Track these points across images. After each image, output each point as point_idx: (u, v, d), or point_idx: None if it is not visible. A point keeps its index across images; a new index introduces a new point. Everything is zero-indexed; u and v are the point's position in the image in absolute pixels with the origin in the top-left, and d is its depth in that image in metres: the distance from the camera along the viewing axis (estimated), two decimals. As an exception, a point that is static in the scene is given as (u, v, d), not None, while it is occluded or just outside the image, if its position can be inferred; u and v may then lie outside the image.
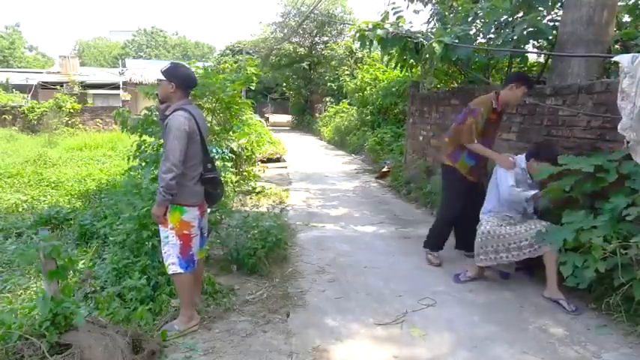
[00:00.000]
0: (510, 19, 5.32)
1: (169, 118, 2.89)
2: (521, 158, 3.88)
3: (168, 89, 2.97)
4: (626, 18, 5.47)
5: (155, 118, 4.61)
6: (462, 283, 3.91)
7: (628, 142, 3.10)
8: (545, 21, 5.27)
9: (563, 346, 2.93)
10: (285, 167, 11.21)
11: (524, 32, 4.79)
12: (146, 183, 4.02)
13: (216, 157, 5.42)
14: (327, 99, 22.15)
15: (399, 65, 6.21)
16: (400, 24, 5.67)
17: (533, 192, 3.72)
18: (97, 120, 20.78)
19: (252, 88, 6.07)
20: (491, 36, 5.59)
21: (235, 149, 8.01)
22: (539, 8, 5.15)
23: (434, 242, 4.48)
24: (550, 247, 3.50)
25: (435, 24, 6.47)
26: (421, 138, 7.71)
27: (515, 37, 4.95)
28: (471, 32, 5.55)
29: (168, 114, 2.94)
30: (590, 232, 3.15)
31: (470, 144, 4.07)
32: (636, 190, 3.17)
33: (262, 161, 10.92)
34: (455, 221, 4.42)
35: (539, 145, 4.03)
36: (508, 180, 3.75)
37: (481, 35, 5.88)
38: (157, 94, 3.15)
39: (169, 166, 2.80)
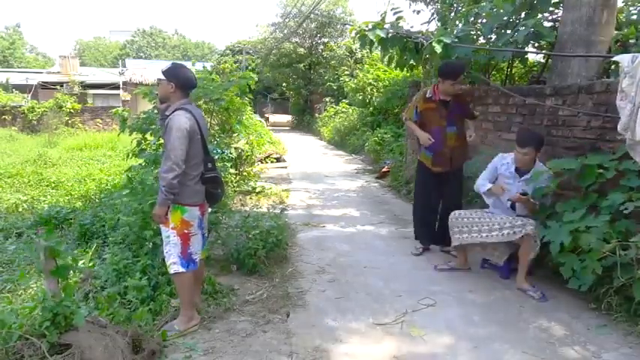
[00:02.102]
0: (512, 19, 5.31)
1: (170, 117, 2.89)
2: (509, 155, 3.91)
3: (167, 89, 2.98)
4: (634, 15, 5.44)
5: (155, 118, 4.62)
6: (459, 283, 3.91)
7: (625, 142, 3.11)
8: (546, 22, 5.27)
9: (563, 346, 2.93)
10: (285, 167, 11.21)
11: (527, 35, 4.78)
12: (151, 180, 4.03)
13: (216, 157, 5.43)
14: (327, 99, 22.15)
15: (400, 65, 6.21)
16: (400, 24, 5.66)
17: (489, 185, 3.87)
18: (97, 120, 20.82)
19: (249, 95, 6.08)
20: (492, 36, 5.58)
21: (234, 151, 8.01)
22: (540, 9, 5.15)
23: (415, 232, 4.76)
24: (527, 237, 3.59)
25: (436, 24, 6.47)
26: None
27: (516, 40, 4.94)
28: (472, 32, 5.55)
29: (168, 114, 2.95)
30: (588, 234, 3.15)
31: (405, 120, 4.67)
32: (632, 188, 3.18)
33: (262, 161, 10.92)
34: (423, 211, 4.61)
35: (521, 133, 3.89)
36: (483, 174, 3.99)
37: (482, 36, 5.88)
38: (156, 94, 3.16)
39: (171, 165, 2.80)
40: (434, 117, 4.31)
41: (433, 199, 4.54)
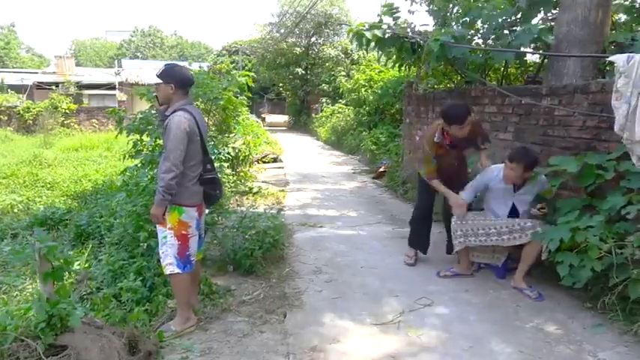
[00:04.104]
0: (510, 19, 5.33)
1: (169, 118, 2.89)
2: (497, 168, 3.87)
3: (168, 91, 2.97)
4: (623, 17, 5.49)
5: (152, 119, 4.61)
6: (456, 283, 3.92)
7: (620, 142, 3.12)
8: (540, 20, 5.29)
9: (560, 345, 2.94)
10: (282, 167, 11.19)
11: (531, 40, 4.79)
12: (145, 181, 4.02)
13: (213, 157, 5.41)
14: (324, 99, 22.14)
15: (398, 65, 6.24)
16: (397, 25, 5.69)
17: (466, 196, 3.87)
18: (93, 120, 20.77)
19: (247, 94, 6.09)
20: (490, 36, 5.60)
21: (231, 151, 8.01)
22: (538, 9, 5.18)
23: (409, 239, 4.58)
24: (534, 240, 3.58)
25: (435, 24, 6.50)
26: (417, 138, 7.72)
27: (514, 42, 4.95)
28: (469, 33, 5.57)
29: (168, 114, 2.94)
30: (586, 232, 3.16)
31: (428, 179, 4.09)
32: (631, 190, 3.19)
33: (259, 162, 10.91)
34: (422, 220, 4.47)
35: (515, 149, 3.85)
36: (471, 183, 3.98)
37: (478, 35, 5.90)
38: (156, 97, 3.14)
39: (169, 166, 2.79)
40: (446, 159, 4.11)
41: (431, 210, 4.47)
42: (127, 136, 4.90)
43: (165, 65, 3.10)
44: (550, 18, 5.56)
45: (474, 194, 3.96)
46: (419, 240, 4.52)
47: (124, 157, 5.14)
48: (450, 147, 4.05)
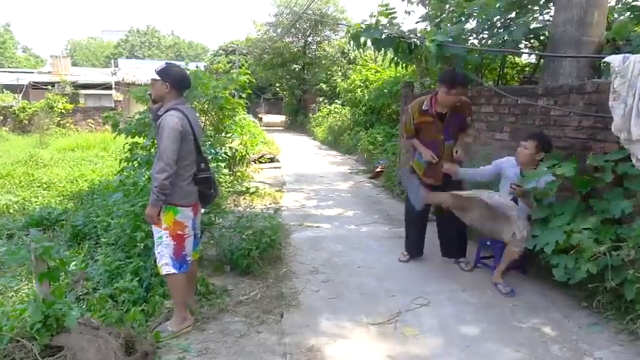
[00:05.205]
0: (503, 19, 5.35)
1: (162, 118, 2.89)
2: (509, 160, 3.92)
3: (162, 89, 2.97)
4: (619, 17, 5.51)
5: (148, 121, 4.60)
6: (453, 283, 3.93)
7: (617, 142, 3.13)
8: (537, 23, 5.31)
9: (555, 344, 2.95)
10: (279, 167, 11.17)
11: (525, 32, 4.79)
12: (143, 181, 4.01)
13: (210, 157, 5.42)
14: (321, 99, 22.12)
15: (395, 64, 6.25)
16: (394, 25, 5.71)
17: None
18: (89, 120, 20.67)
19: (248, 91, 6.09)
20: (484, 35, 5.62)
21: (228, 151, 8.01)
22: (534, 8, 5.20)
23: (405, 241, 4.58)
24: (512, 236, 3.63)
25: (429, 25, 6.52)
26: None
27: (508, 39, 4.97)
28: (464, 32, 5.58)
29: (161, 114, 2.94)
30: (580, 234, 3.16)
31: (405, 140, 4.49)
32: (630, 190, 3.19)
33: (256, 162, 10.89)
34: (415, 221, 4.41)
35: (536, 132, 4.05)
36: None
37: (474, 35, 5.91)
38: (149, 94, 3.14)
39: (163, 166, 2.79)
40: (430, 130, 4.07)
41: (424, 210, 4.36)
42: (125, 138, 4.89)
43: (166, 63, 3.12)
44: (545, 19, 5.59)
45: (494, 171, 4.05)
46: (410, 243, 4.52)
47: (121, 162, 5.12)
48: (437, 117, 4.04)
